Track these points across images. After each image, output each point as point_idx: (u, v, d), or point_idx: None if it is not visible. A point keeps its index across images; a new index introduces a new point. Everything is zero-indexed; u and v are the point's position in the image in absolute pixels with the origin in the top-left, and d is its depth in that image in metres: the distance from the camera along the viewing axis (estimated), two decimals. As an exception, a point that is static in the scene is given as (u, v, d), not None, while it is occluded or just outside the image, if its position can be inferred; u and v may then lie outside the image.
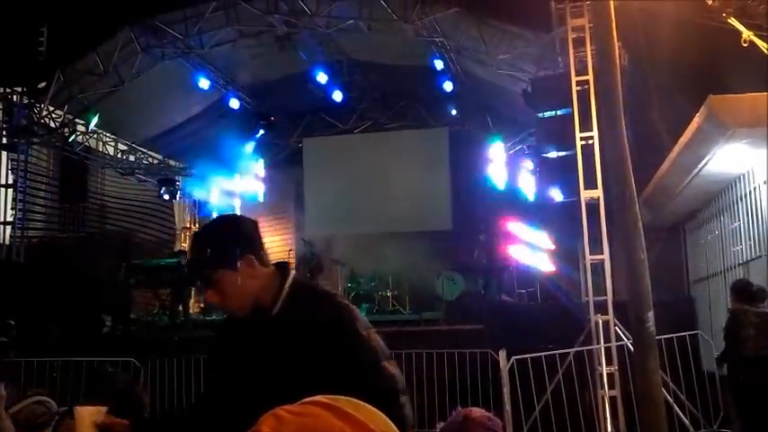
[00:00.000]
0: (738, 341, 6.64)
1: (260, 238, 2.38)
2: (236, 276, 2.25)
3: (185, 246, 16.85)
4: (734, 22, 7.67)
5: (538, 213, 13.15)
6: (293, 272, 2.40)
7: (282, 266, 2.42)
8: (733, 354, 6.78)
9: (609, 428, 8.23)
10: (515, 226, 13.57)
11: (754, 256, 8.17)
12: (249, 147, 16.44)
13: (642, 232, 5.31)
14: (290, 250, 15.94)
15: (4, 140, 12.81)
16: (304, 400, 1.01)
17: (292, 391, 2.04)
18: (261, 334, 2.28)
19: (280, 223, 17.48)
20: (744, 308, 6.75)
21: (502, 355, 8.27)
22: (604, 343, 8.42)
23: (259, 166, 17.13)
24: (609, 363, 8.37)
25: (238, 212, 17.13)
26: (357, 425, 0.94)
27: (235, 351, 2.38)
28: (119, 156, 15.25)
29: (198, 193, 17.59)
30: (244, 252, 2.27)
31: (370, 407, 1.00)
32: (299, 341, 2.22)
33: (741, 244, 8.62)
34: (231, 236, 2.31)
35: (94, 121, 13.67)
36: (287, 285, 2.32)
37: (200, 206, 18.01)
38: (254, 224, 2.43)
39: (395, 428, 1.01)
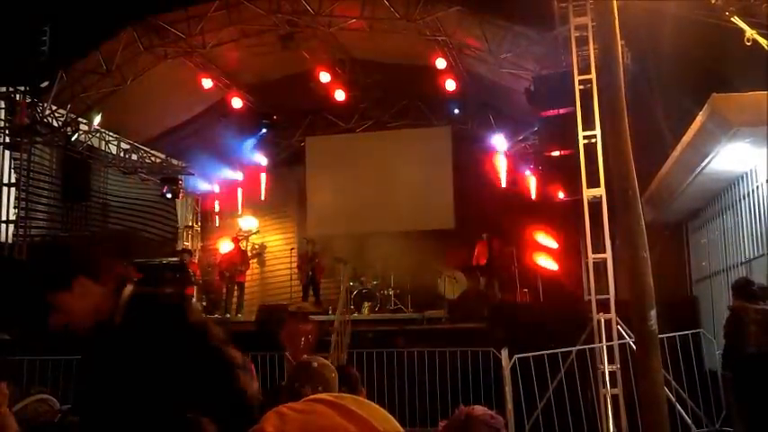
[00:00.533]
0: (739, 338, 6.65)
1: (96, 259, 2.60)
2: (71, 296, 2.47)
3: (188, 244, 16.89)
4: (737, 20, 7.65)
5: (540, 212, 13.16)
6: (130, 285, 2.59)
7: (120, 281, 2.59)
8: (734, 351, 6.78)
9: (611, 427, 8.22)
10: (518, 224, 13.56)
11: (756, 254, 8.15)
12: (251, 146, 16.45)
13: (644, 231, 5.32)
14: (292, 249, 15.94)
15: (7, 139, 12.82)
16: (307, 398, 1.01)
17: (147, 396, 2.17)
18: (106, 347, 2.49)
19: (282, 222, 17.47)
20: (744, 305, 6.75)
21: (504, 353, 8.28)
22: (607, 341, 8.41)
23: (261, 165, 17.12)
24: (611, 361, 8.36)
25: (240, 211, 17.19)
26: (361, 422, 0.94)
27: (90, 367, 2.59)
28: (121, 155, 15.25)
29: (200, 192, 17.60)
30: (76, 274, 2.48)
31: (374, 404, 1.00)
32: (142, 346, 2.42)
33: (743, 242, 8.60)
34: (62, 261, 2.56)
35: (97, 119, 13.70)
36: (124, 297, 2.52)
37: (202, 205, 18.02)
38: (88, 247, 2.66)
39: (397, 425, 1.02)
